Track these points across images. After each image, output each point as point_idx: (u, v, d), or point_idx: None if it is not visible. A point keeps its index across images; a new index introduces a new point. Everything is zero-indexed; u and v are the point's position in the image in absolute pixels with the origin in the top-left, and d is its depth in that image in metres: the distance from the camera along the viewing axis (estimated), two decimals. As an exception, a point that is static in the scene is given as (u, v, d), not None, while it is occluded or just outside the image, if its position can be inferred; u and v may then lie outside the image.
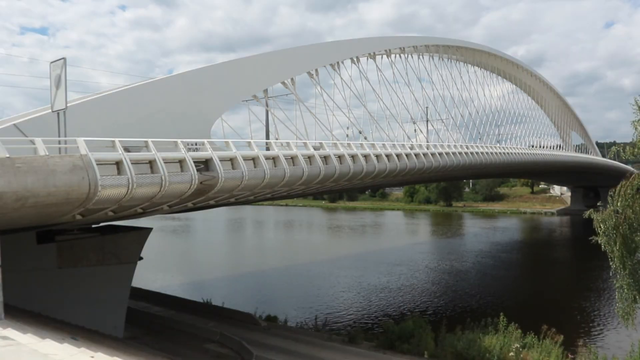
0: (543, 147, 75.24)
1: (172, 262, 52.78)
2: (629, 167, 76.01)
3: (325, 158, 21.72)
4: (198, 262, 54.05)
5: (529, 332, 19.78)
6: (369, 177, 25.21)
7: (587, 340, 24.17)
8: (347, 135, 35.71)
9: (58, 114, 14.84)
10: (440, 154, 33.47)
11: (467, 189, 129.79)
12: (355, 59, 34.47)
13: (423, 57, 45.26)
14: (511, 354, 18.03)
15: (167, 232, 75.63)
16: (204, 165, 15.58)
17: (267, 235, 79.67)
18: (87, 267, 21.10)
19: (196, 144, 16.88)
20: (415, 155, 29.84)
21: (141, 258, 23.61)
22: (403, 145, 31.57)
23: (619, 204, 13.41)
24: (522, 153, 54.28)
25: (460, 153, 36.68)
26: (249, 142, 19.26)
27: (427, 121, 51.32)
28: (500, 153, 45.99)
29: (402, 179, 33.56)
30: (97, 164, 11.96)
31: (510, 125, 68.79)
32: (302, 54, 29.21)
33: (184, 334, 23.09)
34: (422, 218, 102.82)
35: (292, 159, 19.62)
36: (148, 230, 23.49)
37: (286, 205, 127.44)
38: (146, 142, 14.32)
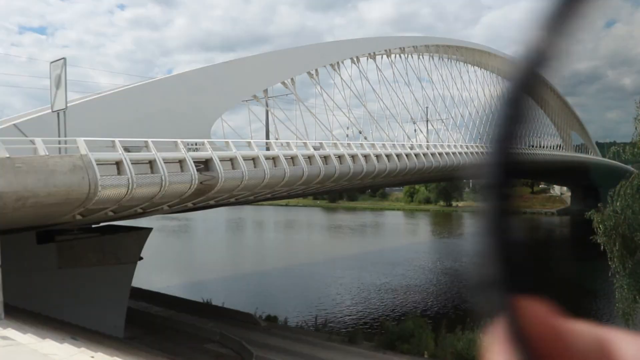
0: (543, 147, 75.24)
1: (172, 262, 52.76)
2: (629, 167, 75.90)
3: (325, 158, 21.72)
4: (198, 262, 54.00)
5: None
6: (369, 177, 25.21)
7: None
8: (347, 135, 35.76)
9: (58, 114, 14.86)
10: (440, 154, 33.46)
11: (467, 189, 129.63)
12: (355, 59, 34.47)
13: (423, 57, 45.26)
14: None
15: (167, 232, 75.56)
16: (204, 165, 15.60)
17: (267, 235, 79.59)
18: (87, 267, 21.11)
19: (196, 144, 16.90)
20: (415, 155, 29.83)
21: (141, 258, 23.65)
22: (403, 145, 31.59)
23: (618, 204, 13.40)
24: (522, 153, 54.26)
25: (460, 153, 36.70)
26: (249, 142, 19.31)
27: (427, 121, 51.29)
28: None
29: (402, 179, 33.58)
30: (97, 164, 11.99)
31: (510, 125, 68.82)
32: (302, 54, 29.23)
33: (184, 334, 23.07)
34: (422, 218, 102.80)
35: (292, 159, 19.63)
36: (148, 230, 23.51)
37: (286, 205, 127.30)
38: (146, 142, 14.35)
